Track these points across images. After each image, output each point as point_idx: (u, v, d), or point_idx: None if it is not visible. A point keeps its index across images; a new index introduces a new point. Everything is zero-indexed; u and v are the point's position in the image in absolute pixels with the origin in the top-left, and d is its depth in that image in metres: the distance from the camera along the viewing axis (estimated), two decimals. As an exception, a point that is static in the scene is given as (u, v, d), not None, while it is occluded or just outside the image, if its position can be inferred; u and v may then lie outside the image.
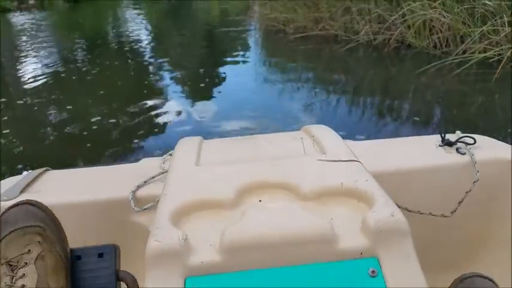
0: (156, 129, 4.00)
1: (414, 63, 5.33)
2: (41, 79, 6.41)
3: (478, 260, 1.24)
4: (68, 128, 4.13)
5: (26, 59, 8.21)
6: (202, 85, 5.65)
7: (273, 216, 0.76)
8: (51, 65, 7.64)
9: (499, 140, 1.32)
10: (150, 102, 4.81)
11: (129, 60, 7.74)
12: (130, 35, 10.82)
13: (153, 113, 4.48)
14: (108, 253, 0.85)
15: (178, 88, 5.69)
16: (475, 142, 1.24)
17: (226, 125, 3.94)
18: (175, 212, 0.80)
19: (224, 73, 6.23)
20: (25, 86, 6.12)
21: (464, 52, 5.07)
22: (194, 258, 0.70)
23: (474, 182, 1.15)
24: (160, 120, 4.26)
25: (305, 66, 6.30)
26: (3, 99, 5.49)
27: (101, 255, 0.85)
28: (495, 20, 4.94)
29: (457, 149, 1.25)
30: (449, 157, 1.23)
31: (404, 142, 1.40)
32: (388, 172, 1.15)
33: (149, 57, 7.99)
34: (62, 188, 1.22)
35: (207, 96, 5.12)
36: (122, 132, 3.93)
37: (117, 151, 3.48)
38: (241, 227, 0.72)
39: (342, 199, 0.83)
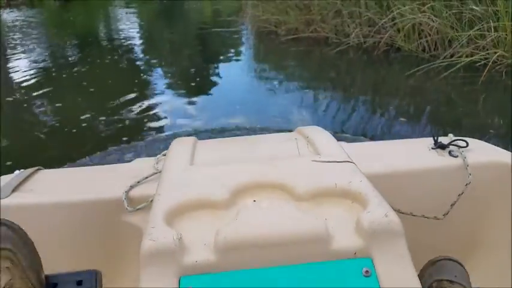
0: (144, 127, 4.01)
1: (403, 66, 5.40)
2: (31, 76, 6.39)
3: (470, 262, 1.27)
4: (57, 124, 4.14)
5: (16, 56, 8.16)
6: (193, 84, 5.68)
7: (267, 216, 0.77)
8: (41, 62, 7.62)
9: (487, 142, 1.35)
10: (139, 100, 4.84)
11: (120, 59, 7.73)
12: (122, 34, 10.79)
13: (141, 109, 4.51)
14: (89, 280, 0.80)
15: (168, 87, 5.72)
16: (467, 145, 1.25)
17: (215, 122, 3.97)
18: (169, 212, 0.79)
19: (215, 73, 6.26)
20: (15, 83, 6.10)
21: (452, 56, 5.14)
22: (188, 257, 0.70)
23: (466, 184, 1.16)
24: (148, 117, 4.28)
25: (295, 67, 6.37)
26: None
27: (80, 282, 0.79)
28: (482, 25, 5.03)
29: (449, 152, 1.25)
30: (442, 160, 1.23)
31: (397, 144, 1.42)
32: (381, 174, 1.15)
33: (140, 57, 7.99)
34: (54, 188, 1.21)
35: (197, 94, 5.16)
36: (110, 129, 3.94)
37: (104, 147, 3.48)
38: (235, 226, 0.73)
39: (336, 200, 0.83)
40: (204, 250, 0.71)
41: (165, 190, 0.88)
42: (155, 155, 1.36)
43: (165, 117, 4.29)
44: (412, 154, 1.28)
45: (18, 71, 6.89)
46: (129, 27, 12.21)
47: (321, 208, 0.81)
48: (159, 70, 6.66)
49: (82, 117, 4.19)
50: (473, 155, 1.23)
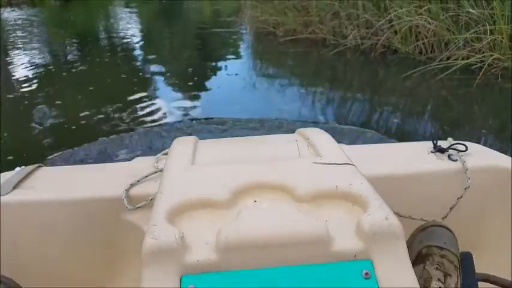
0: (141, 124, 4.06)
1: (400, 68, 5.45)
2: (31, 74, 6.43)
3: None
4: (56, 121, 4.18)
5: (16, 55, 8.19)
6: (190, 83, 5.73)
7: (268, 216, 0.77)
8: (41, 60, 7.65)
9: (483, 144, 1.36)
10: (137, 98, 4.89)
11: (120, 58, 7.78)
12: (122, 33, 10.84)
13: (139, 107, 4.57)
14: None
15: (167, 85, 5.77)
16: (466, 149, 1.25)
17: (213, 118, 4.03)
18: (171, 210, 0.80)
19: (213, 72, 6.31)
20: (15, 82, 6.13)
21: (448, 58, 5.20)
22: (190, 256, 0.71)
23: (465, 188, 1.17)
24: (146, 115, 4.33)
25: (293, 67, 6.42)
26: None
27: None
28: (478, 28, 5.09)
29: (448, 156, 1.26)
30: (441, 163, 1.24)
31: (396, 147, 1.43)
32: (380, 177, 1.15)
33: (140, 56, 8.03)
34: (55, 185, 1.22)
35: (195, 92, 5.23)
36: (107, 125, 3.99)
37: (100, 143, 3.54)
38: (236, 226, 0.73)
39: (336, 202, 0.83)
40: (206, 249, 0.72)
41: (166, 189, 0.89)
42: (151, 150, 1.37)
43: (162, 113, 4.38)
44: (412, 157, 1.28)
45: (20, 68, 6.94)
46: (129, 26, 12.26)
47: (322, 210, 0.81)
48: (159, 69, 6.70)
49: (81, 115, 4.23)
50: (472, 159, 1.23)
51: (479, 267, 1.14)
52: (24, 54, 8.28)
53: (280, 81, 5.67)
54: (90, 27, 12.79)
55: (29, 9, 17.80)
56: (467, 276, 0.90)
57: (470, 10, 5.18)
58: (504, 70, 4.79)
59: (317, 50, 6.75)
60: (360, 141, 3.38)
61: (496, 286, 0.97)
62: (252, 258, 0.70)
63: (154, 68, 6.78)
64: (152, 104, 4.72)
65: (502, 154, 1.29)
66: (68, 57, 8.07)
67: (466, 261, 0.91)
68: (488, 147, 1.36)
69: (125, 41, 9.57)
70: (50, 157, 3.31)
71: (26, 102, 5.08)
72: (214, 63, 6.89)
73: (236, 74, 6.24)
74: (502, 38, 4.92)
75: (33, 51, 8.58)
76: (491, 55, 4.86)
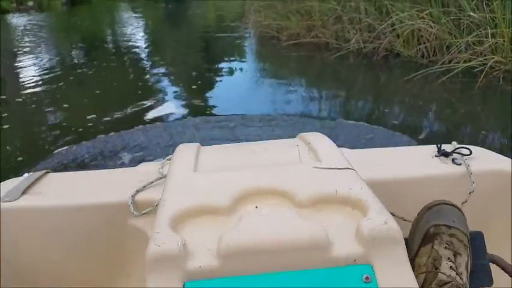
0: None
1: (402, 71, 5.50)
2: (39, 79, 6.54)
3: None
4: (63, 123, 4.27)
5: (25, 59, 8.32)
6: (194, 87, 5.82)
7: (268, 222, 0.78)
8: (49, 65, 7.77)
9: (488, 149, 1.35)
10: (143, 102, 4.96)
11: (126, 62, 7.88)
12: (128, 37, 10.96)
13: (144, 109, 4.66)
14: None
15: (172, 89, 5.84)
16: (470, 153, 1.24)
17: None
18: (174, 217, 0.81)
19: (217, 76, 6.39)
20: (24, 85, 6.25)
21: (450, 61, 5.24)
22: (192, 262, 0.72)
23: (470, 192, 1.15)
24: (152, 117, 4.42)
25: (297, 70, 6.51)
26: (3, 97, 5.64)
27: None
28: (480, 31, 5.13)
29: (452, 160, 1.25)
30: (445, 167, 1.23)
31: (400, 152, 1.42)
32: (384, 181, 1.15)
33: (145, 60, 8.14)
34: (62, 191, 1.23)
35: (199, 94, 5.36)
36: (113, 129, 4.07)
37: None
38: (238, 232, 0.74)
39: (336, 206, 0.84)
40: (208, 256, 0.73)
41: (169, 196, 0.90)
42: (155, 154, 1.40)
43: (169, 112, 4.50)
44: (415, 161, 1.28)
45: (28, 71, 7.08)
46: (134, 31, 12.40)
47: (322, 215, 0.82)
48: (164, 72, 6.79)
49: (88, 117, 4.32)
50: (476, 163, 1.22)
51: None
52: (32, 58, 8.42)
53: (284, 83, 5.76)
54: (96, 31, 12.94)
55: (37, 15, 18.00)
56: (478, 256, 0.88)
57: (472, 14, 5.21)
58: (506, 73, 4.82)
59: (320, 54, 6.82)
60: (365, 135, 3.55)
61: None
62: (253, 263, 0.71)
63: (159, 71, 6.87)
64: (157, 106, 4.81)
65: (507, 158, 1.27)
66: (75, 61, 8.19)
67: (476, 240, 0.89)
68: (488, 147, 1.35)
69: (130, 44, 9.69)
70: (56, 151, 3.43)
71: (34, 105, 5.19)
72: (218, 67, 6.98)
73: (240, 74, 6.40)
74: (504, 41, 4.96)
75: (41, 55, 8.72)
76: (493, 58, 4.90)
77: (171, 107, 4.79)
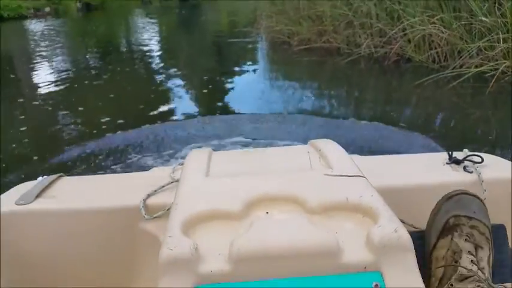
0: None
1: (413, 76, 5.52)
2: (55, 82, 6.69)
3: None
4: (78, 126, 4.37)
5: (42, 63, 8.50)
6: (205, 90, 5.93)
7: (279, 228, 0.79)
8: (65, 69, 7.94)
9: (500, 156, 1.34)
10: (156, 105, 5.06)
11: (140, 67, 8.01)
12: (142, 43, 11.13)
13: (158, 113, 4.74)
14: None
15: (185, 93, 5.95)
16: (482, 161, 1.23)
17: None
18: (186, 222, 0.82)
19: (230, 80, 6.48)
20: (40, 88, 6.40)
21: (461, 66, 5.24)
22: (204, 266, 0.73)
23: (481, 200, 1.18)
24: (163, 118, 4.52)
25: (308, 74, 6.59)
26: (20, 100, 5.79)
27: None
28: (491, 36, 5.12)
29: (464, 168, 1.24)
30: (456, 175, 1.22)
31: (411, 159, 1.42)
32: (395, 188, 1.15)
33: (159, 64, 8.26)
34: (75, 195, 1.25)
35: (212, 98, 5.46)
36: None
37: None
38: (249, 237, 0.75)
39: (347, 214, 0.84)
40: (219, 260, 0.73)
41: (181, 201, 0.91)
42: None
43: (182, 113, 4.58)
44: (426, 169, 1.27)
45: (45, 75, 7.25)
46: (148, 36, 12.57)
47: (332, 221, 0.82)
48: (177, 76, 6.89)
49: (102, 120, 4.42)
50: (488, 170, 1.21)
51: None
52: (49, 62, 8.60)
53: (295, 86, 5.87)
54: (111, 37, 13.15)
55: (54, 21, 18.33)
56: (501, 249, 0.84)
57: (483, 19, 5.21)
58: (517, 78, 4.82)
59: (331, 59, 6.85)
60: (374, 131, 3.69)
61: None
62: (263, 269, 0.72)
63: (172, 75, 6.98)
64: (170, 108, 4.91)
65: None
66: (90, 66, 8.34)
67: (498, 233, 0.85)
68: (495, 151, 1.37)
69: (144, 49, 9.84)
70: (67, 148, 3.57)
71: (50, 108, 5.31)
72: (230, 71, 7.07)
73: (252, 77, 6.56)
74: (515, 46, 4.95)
75: (57, 60, 8.90)
76: (504, 63, 4.89)
77: (184, 109, 4.89)
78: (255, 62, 7.96)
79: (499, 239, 0.86)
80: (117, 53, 9.73)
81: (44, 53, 9.78)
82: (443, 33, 5.63)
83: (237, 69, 7.22)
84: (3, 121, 4.62)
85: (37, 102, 5.62)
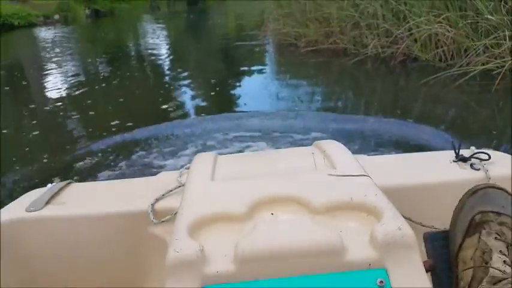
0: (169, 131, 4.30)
1: (419, 75, 5.53)
2: (65, 88, 6.81)
3: None
4: (89, 129, 4.46)
5: (52, 70, 8.64)
6: (213, 93, 6.01)
7: (284, 228, 0.81)
8: (75, 75, 8.06)
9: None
10: (164, 108, 5.14)
11: (148, 72, 8.11)
12: (150, 48, 11.24)
13: (167, 115, 4.83)
14: None
15: (193, 96, 6.03)
16: (489, 158, 1.23)
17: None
18: (192, 225, 0.84)
19: (238, 83, 6.56)
20: (51, 94, 6.51)
21: (468, 64, 5.24)
22: (210, 267, 0.74)
23: None
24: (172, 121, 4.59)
25: (316, 74, 6.67)
26: (32, 106, 5.90)
27: None
28: (498, 34, 5.12)
29: (471, 165, 1.23)
30: (463, 173, 1.21)
31: (417, 157, 1.42)
32: (401, 187, 1.16)
33: (167, 69, 8.36)
34: (85, 201, 1.27)
35: (220, 100, 5.58)
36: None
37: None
38: (254, 238, 0.76)
39: (351, 213, 0.85)
40: (225, 261, 0.75)
41: (187, 204, 0.93)
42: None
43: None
44: (433, 167, 1.27)
45: (56, 81, 7.39)
46: (157, 41, 12.70)
47: (337, 221, 0.83)
48: (185, 80, 6.97)
49: (112, 123, 4.50)
50: (495, 167, 1.21)
51: None
52: (59, 68, 8.73)
53: (303, 85, 5.96)
54: (120, 42, 13.29)
55: (64, 28, 18.56)
56: None
57: (489, 17, 5.22)
58: (524, 75, 4.82)
59: (338, 60, 6.89)
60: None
61: None
62: (269, 268, 0.73)
63: (180, 79, 7.07)
64: (178, 111, 4.99)
65: None
66: (100, 71, 8.46)
67: None
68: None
69: (153, 55, 9.95)
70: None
71: (61, 113, 5.41)
72: (237, 74, 7.16)
73: (259, 78, 6.70)
74: (522, 43, 4.95)
75: (67, 66, 9.03)
76: (510, 60, 4.89)
77: (193, 110, 5.00)
78: (262, 64, 8.02)
79: None
80: (126, 58, 9.85)
81: (54, 60, 9.93)
82: (449, 32, 5.64)
83: (244, 71, 7.31)
84: (16, 126, 4.74)
85: (48, 108, 5.73)
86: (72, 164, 3.52)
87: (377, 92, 5.55)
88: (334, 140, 1.27)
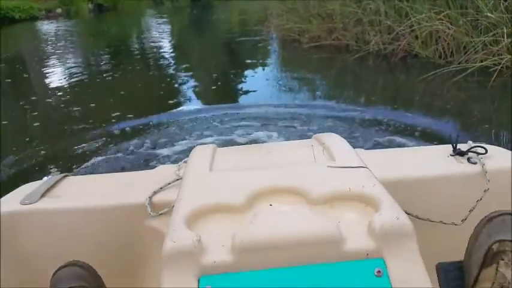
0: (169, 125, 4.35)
1: (419, 71, 5.58)
2: (67, 81, 6.88)
3: None
4: (89, 120, 4.51)
5: (55, 63, 8.69)
6: (213, 87, 6.07)
7: (282, 219, 0.80)
8: (77, 68, 8.13)
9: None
10: (166, 101, 5.20)
11: (151, 66, 8.15)
12: (153, 42, 11.30)
13: (167, 107, 4.91)
14: None
15: (196, 89, 6.09)
16: (486, 152, 1.23)
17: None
18: (189, 215, 0.83)
19: (241, 78, 6.62)
20: (53, 87, 6.57)
21: (466, 61, 5.28)
22: (207, 258, 0.74)
23: (485, 191, 1.14)
24: (175, 114, 4.65)
25: (318, 70, 6.74)
26: (33, 98, 5.95)
27: None
28: (496, 31, 5.15)
29: (468, 159, 1.24)
30: (460, 166, 1.22)
31: (414, 151, 1.44)
32: (399, 180, 1.15)
33: (170, 63, 8.40)
34: (81, 194, 1.25)
35: (222, 94, 5.66)
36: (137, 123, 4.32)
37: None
38: (252, 228, 0.76)
39: (349, 203, 0.85)
40: (222, 251, 0.74)
41: (185, 195, 0.92)
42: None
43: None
44: (430, 161, 1.28)
45: (58, 74, 7.48)
46: (160, 36, 12.73)
47: (335, 211, 0.83)
48: (187, 75, 7.02)
49: (113, 114, 4.55)
50: (492, 161, 1.21)
51: None
52: (61, 61, 8.79)
53: (306, 82, 6.01)
54: (122, 37, 13.33)
55: (66, 22, 18.59)
56: None
57: (489, 15, 5.25)
58: (521, 72, 4.86)
59: (341, 56, 6.94)
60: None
61: None
62: (267, 258, 0.73)
63: (183, 73, 7.13)
64: (180, 105, 5.04)
65: None
66: (102, 65, 8.51)
67: None
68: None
69: (156, 49, 10.00)
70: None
71: (62, 105, 5.47)
72: (240, 69, 7.21)
73: (262, 73, 6.77)
74: (520, 40, 4.98)
75: (70, 59, 9.09)
76: (507, 57, 4.92)
77: (195, 103, 5.07)
78: (265, 59, 8.07)
79: None
80: (128, 52, 9.90)
81: (56, 53, 9.99)
82: (449, 29, 5.67)
83: (246, 67, 7.34)
84: (16, 118, 4.80)
85: (50, 100, 5.77)
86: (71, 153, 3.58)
87: (377, 86, 5.62)
88: (333, 133, 1.28)
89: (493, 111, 4.27)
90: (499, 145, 1.38)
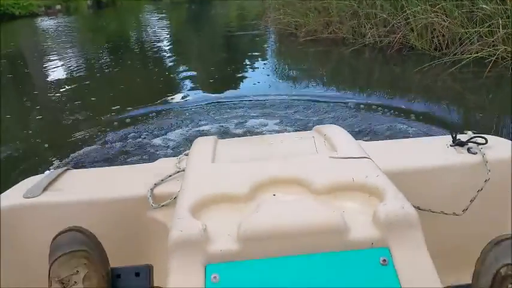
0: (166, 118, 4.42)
1: (415, 63, 5.64)
2: (68, 76, 6.94)
3: None
4: (89, 113, 4.58)
5: (54, 59, 8.74)
6: (211, 81, 6.14)
7: (286, 208, 0.80)
8: (76, 64, 8.17)
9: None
10: (164, 95, 5.25)
11: (150, 61, 8.19)
12: (152, 37, 11.34)
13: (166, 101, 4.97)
14: (144, 272, 0.93)
15: (193, 84, 6.13)
16: (486, 142, 1.23)
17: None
18: (194, 205, 0.84)
19: (240, 71, 6.68)
20: (53, 82, 6.63)
21: (462, 53, 5.33)
22: (213, 246, 0.75)
23: (485, 180, 1.14)
24: (171, 107, 4.73)
25: (315, 62, 6.81)
26: (35, 92, 6.02)
27: (137, 274, 0.93)
28: (491, 23, 5.20)
29: (468, 149, 1.24)
30: (461, 157, 1.22)
31: (415, 142, 1.44)
32: (399, 171, 1.15)
33: (168, 58, 8.44)
34: (83, 187, 1.26)
35: (222, 87, 5.68)
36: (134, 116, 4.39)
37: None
38: (256, 218, 0.77)
39: (353, 193, 0.86)
40: (228, 240, 0.75)
41: (189, 185, 0.93)
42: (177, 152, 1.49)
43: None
44: (431, 151, 1.28)
45: (59, 69, 7.53)
46: (159, 31, 12.77)
47: (339, 201, 0.84)
48: (186, 69, 7.07)
49: (113, 108, 4.62)
50: (492, 151, 1.22)
51: None
52: (61, 57, 8.83)
53: (302, 74, 6.10)
54: (121, 32, 13.37)
55: (66, 18, 18.61)
56: None
57: (484, 6, 5.29)
58: (515, 62, 4.91)
59: (337, 49, 7.00)
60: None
61: None
62: (271, 247, 0.74)
63: (181, 68, 7.18)
64: (178, 98, 5.11)
65: None
66: (101, 60, 8.56)
67: None
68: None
69: (154, 44, 10.05)
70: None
71: (64, 99, 5.53)
72: (238, 62, 7.29)
73: (260, 66, 6.84)
74: (515, 31, 5.03)
75: (70, 55, 9.13)
76: (502, 48, 4.97)
77: (194, 96, 5.12)
78: (262, 53, 8.12)
79: None
80: (127, 48, 9.94)
81: (56, 49, 10.04)
82: (444, 21, 5.72)
83: (244, 60, 7.41)
84: (20, 112, 4.88)
85: (51, 94, 5.84)
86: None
87: (372, 77, 5.72)
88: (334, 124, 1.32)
89: (487, 101, 4.35)
90: (492, 133, 1.39)
